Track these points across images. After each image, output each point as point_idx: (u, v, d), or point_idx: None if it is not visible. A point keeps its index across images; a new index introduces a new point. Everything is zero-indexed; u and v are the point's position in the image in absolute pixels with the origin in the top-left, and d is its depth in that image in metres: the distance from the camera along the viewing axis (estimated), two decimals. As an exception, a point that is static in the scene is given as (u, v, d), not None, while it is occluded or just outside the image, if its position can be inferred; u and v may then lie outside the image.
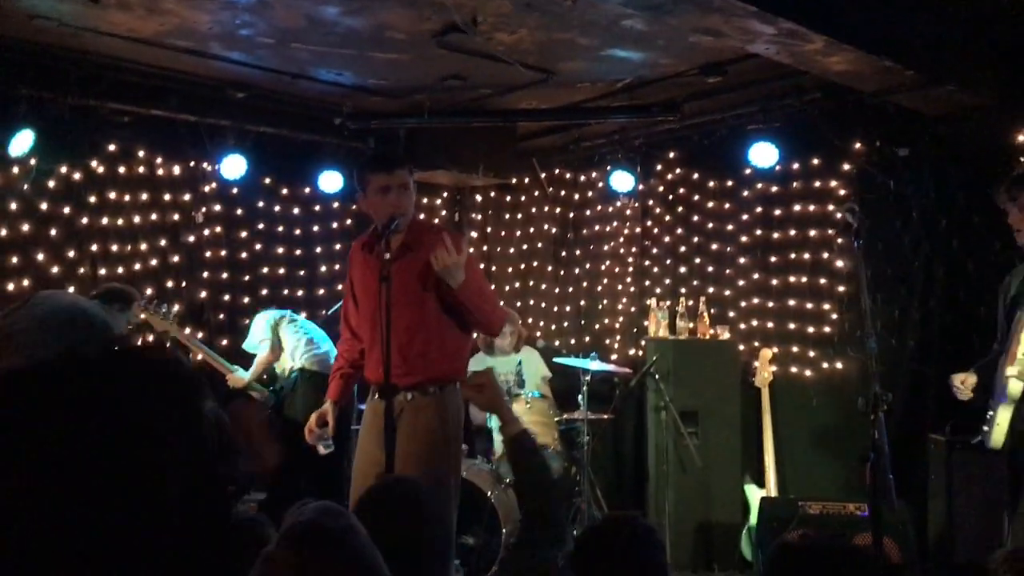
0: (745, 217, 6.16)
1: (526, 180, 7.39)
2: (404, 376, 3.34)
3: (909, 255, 5.21)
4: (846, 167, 5.60)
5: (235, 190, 6.47)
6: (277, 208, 6.77)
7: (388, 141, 6.74)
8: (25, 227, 5.58)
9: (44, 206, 5.67)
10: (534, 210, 7.44)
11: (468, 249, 3.39)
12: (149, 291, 6.06)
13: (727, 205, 6.31)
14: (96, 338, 2.44)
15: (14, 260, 5.54)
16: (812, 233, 5.75)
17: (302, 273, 6.89)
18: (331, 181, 6.58)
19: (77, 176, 5.80)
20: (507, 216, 7.54)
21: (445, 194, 7.60)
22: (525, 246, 7.46)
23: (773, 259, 5.99)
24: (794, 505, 4.75)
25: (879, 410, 2.80)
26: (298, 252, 6.87)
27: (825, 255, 5.69)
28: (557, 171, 7.27)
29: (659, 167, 6.66)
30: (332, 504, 1.51)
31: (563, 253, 7.32)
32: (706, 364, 5.86)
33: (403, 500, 2.19)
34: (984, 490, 4.09)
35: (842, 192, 5.63)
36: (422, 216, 6.76)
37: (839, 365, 5.63)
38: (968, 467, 4.28)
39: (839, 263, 5.61)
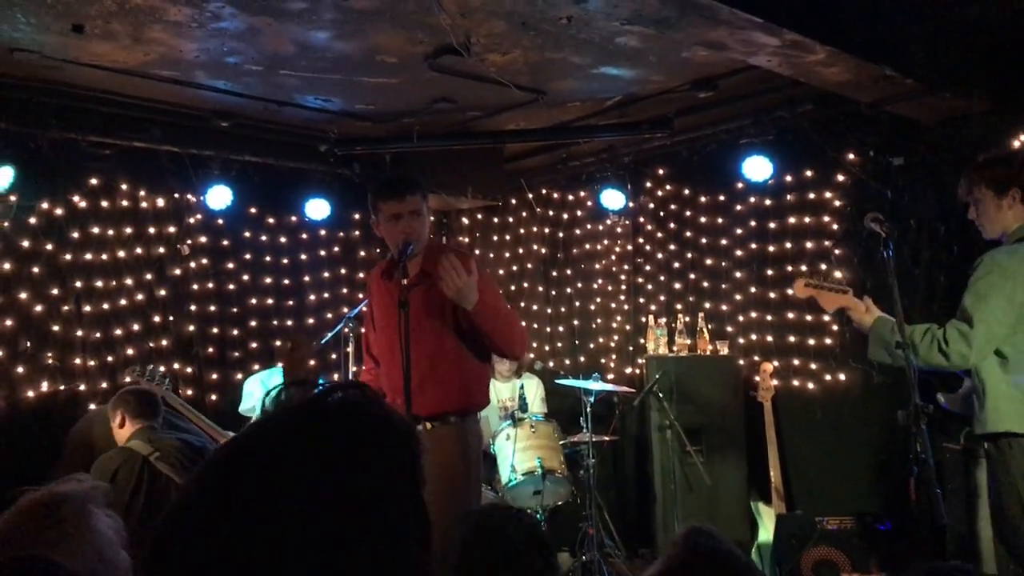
0: (739, 231, 6.13)
1: (513, 201, 7.32)
2: (425, 405, 3.24)
3: (909, 264, 5.18)
4: (840, 178, 5.59)
5: (221, 221, 6.34)
6: (264, 238, 6.65)
7: (374, 167, 6.66)
8: (7, 265, 5.42)
9: (26, 243, 5.52)
10: (523, 231, 7.37)
11: (481, 270, 3.31)
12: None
13: (720, 219, 6.28)
14: None
15: (-4, 299, 5.38)
16: (809, 245, 5.73)
17: (291, 303, 6.77)
18: (318, 209, 6.49)
19: (59, 211, 5.65)
20: (495, 238, 7.47)
21: (432, 217, 7.49)
22: (515, 267, 7.38)
23: (770, 272, 5.95)
24: (811, 521, 4.68)
25: (920, 422, 2.74)
26: (286, 281, 6.74)
27: (823, 266, 5.66)
28: (545, 191, 7.22)
29: (649, 184, 6.63)
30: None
31: (554, 273, 7.26)
32: (707, 380, 5.81)
33: None
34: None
35: (837, 203, 5.62)
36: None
37: (842, 376, 5.58)
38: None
39: (837, 274, 5.58)
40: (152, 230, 6.07)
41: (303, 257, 6.85)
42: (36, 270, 5.54)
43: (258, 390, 5.67)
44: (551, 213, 7.23)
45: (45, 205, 5.59)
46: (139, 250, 6.01)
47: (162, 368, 5.76)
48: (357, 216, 7.07)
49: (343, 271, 7.07)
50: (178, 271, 6.20)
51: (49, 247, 5.60)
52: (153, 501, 3.90)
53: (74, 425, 5.08)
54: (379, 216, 3.47)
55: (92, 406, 5.58)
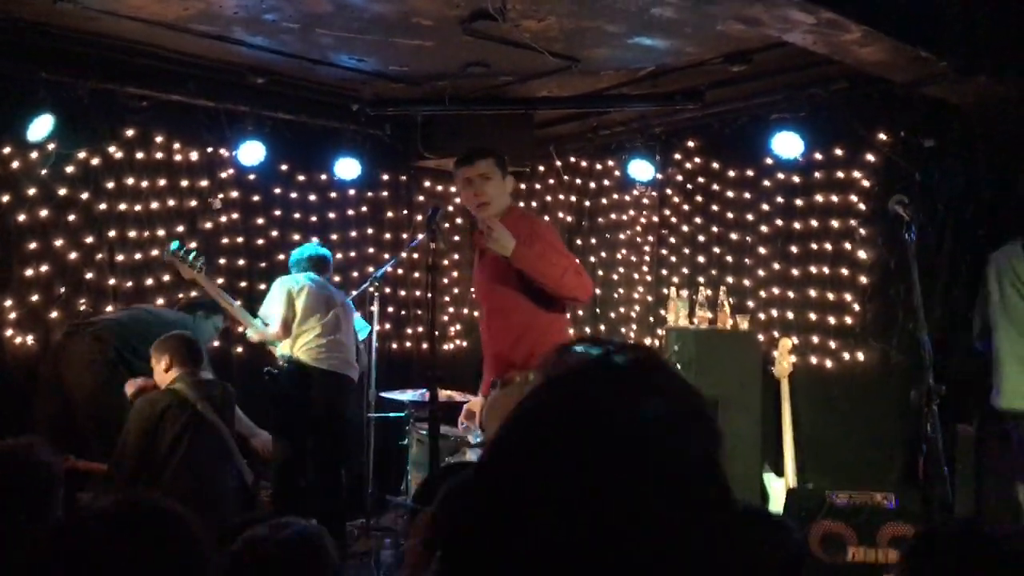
0: (766, 207, 6.13)
1: (541, 168, 7.35)
2: (504, 360, 3.56)
3: (934, 247, 5.18)
4: (870, 158, 5.57)
5: (252, 176, 6.43)
6: (294, 195, 6.73)
7: (405, 128, 6.71)
8: (43, 212, 5.54)
9: (62, 191, 5.63)
10: (549, 198, 7.41)
11: (535, 225, 3.70)
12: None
13: (747, 194, 6.28)
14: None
15: (32, 245, 5.51)
16: (834, 223, 5.72)
17: (318, 260, 6.85)
18: (348, 168, 6.56)
19: (95, 161, 5.76)
20: (522, 204, 7.48)
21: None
22: (540, 234, 7.41)
23: (794, 249, 5.96)
24: (821, 495, 4.75)
25: (932, 404, 2.80)
26: (314, 239, 6.82)
27: (847, 245, 5.66)
28: (573, 159, 7.24)
29: (678, 156, 6.62)
30: None
31: (578, 242, 7.29)
32: (726, 354, 5.85)
33: None
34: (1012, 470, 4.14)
35: (866, 183, 5.61)
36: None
37: (860, 356, 5.60)
38: (993, 455, 4.30)
39: (861, 253, 5.59)
40: (185, 183, 6.17)
41: (331, 216, 6.93)
42: (72, 218, 5.67)
43: (280, 293, 5.57)
44: (578, 182, 7.26)
45: (82, 154, 5.69)
46: (172, 202, 6.12)
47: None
48: (386, 177, 7.14)
49: (370, 231, 7.15)
50: (209, 225, 6.30)
51: (85, 196, 5.72)
52: (195, 444, 4.05)
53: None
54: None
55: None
